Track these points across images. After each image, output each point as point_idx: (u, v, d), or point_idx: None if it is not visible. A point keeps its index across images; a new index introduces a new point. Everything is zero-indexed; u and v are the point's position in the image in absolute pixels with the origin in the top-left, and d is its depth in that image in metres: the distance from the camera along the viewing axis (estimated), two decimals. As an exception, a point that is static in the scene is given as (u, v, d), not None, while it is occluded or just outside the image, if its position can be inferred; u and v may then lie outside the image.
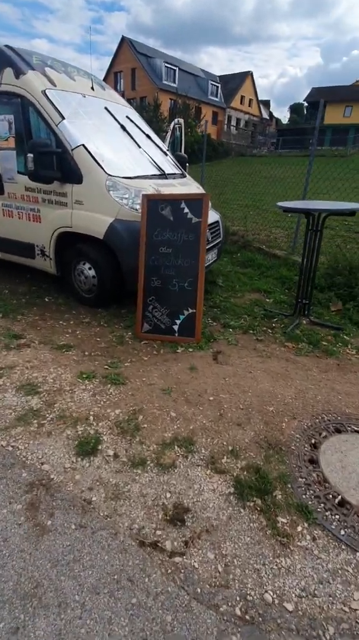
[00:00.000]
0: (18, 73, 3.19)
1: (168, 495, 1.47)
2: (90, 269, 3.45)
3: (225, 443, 1.74)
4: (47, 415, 1.87)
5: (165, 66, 31.27)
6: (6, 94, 3.29)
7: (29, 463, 1.57)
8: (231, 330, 3.21)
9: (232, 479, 1.55)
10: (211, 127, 26.94)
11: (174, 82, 31.37)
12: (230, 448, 1.71)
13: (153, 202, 3.04)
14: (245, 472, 1.59)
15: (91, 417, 1.86)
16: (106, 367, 2.41)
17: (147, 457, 1.64)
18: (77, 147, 3.12)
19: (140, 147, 3.90)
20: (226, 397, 2.10)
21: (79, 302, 3.68)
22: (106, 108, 3.89)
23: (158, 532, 1.33)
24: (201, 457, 1.66)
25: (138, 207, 3.14)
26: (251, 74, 40.11)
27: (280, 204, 3.22)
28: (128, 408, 1.96)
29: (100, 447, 1.68)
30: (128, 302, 3.62)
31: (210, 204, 3.20)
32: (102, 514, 1.37)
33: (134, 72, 31.44)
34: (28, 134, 3.29)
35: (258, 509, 1.45)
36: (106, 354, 2.63)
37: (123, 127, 3.90)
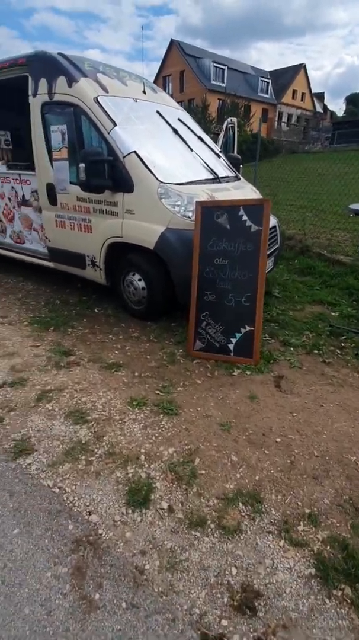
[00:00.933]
0: (71, 81, 3.13)
1: (234, 571, 1.22)
2: (140, 280, 3.30)
3: (299, 503, 1.45)
4: (96, 450, 1.72)
5: (214, 66, 30.95)
6: (59, 104, 3.24)
7: (75, 511, 1.41)
8: (292, 349, 2.87)
9: (312, 556, 1.26)
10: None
11: (223, 81, 30.94)
12: (307, 511, 1.42)
13: (207, 210, 2.80)
14: (328, 547, 1.29)
15: (142, 456, 1.67)
16: (157, 391, 2.22)
17: (206, 515, 1.40)
18: (128, 154, 2.98)
19: (192, 150, 3.69)
20: (295, 439, 1.80)
21: (128, 313, 3.55)
22: (158, 111, 3.72)
23: (224, 623, 1.09)
24: (272, 520, 1.38)
25: (190, 214, 2.92)
26: (304, 67, 38.35)
27: (353, 206, 2.82)
28: (182, 447, 1.74)
29: (153, 497, 1.47)
30: (179, 315, 3.42)
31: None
32: (156, 590, 1.16)
33: (182, 74, 31.51)
34: (80, 143, 3.22)
35: (348, 600, 1.15)
36: (157, 376, 2.44)
37: (175, 131, 3.71)
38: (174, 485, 1.52)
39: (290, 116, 38.34)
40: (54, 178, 3.47)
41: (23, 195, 4.02)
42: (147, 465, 1.62)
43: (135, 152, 2.98)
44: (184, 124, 3.96)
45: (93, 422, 1.90)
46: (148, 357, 2.73)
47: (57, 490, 1.49)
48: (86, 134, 3.20)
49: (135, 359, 2.69)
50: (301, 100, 39.33)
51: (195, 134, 3.98)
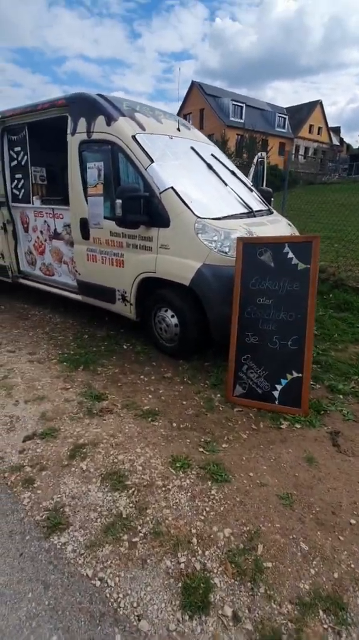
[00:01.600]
0: (110, 120, 3.14)
1: None
2: (172, 316, 3.15)
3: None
4: (139, 527, 1.48)
5: (232, 104, 32.34)
6: (97, 142, 3.25)
7: (122, 614, 1.16)
8: (341, 397, 2.61)
9: None
10: (277, 158, 26.70)
11: (241, 118, 32.18)
12: None
13: (250, 247, 2.65)
14: None
15: (194, 539, 1.42)
16: (201, 449, 1.98)
17: (281, 627, 1.13)
18: (165, 190, 2.91)
19: (226, 184, 3.63)
20: (373, 519, 1.52)
21: (158, 350, 3.38)
22: (192, 148, 3.71)
23: None
24: (362, 636, 1.10)
25: (227, 249, 2.79)
26: (321, 103, 39.63)
27: None
28: (240, 527, 1.48)
29: (212, 599, 1.21)
30: (213, 354, 3.22)
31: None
32: None
33: (202, 112, 32.99)
34: (116, 179, 3.19)
35: None
36: (197, 427, 2.21)
37: (209, 166, 3.67)
38: (236, 583, 1.26)
39: (306, 149, 39.24)
40: (88, 213, 3.44)
41: (55, 229, 4.02)
42: (200, 552, 1.37)
43: (172, 187, 2.92)
44: (217, 159, 3.93)
45: (133, 489, 1.67)
46: (184, 402, 2.52)
47: (98, 584, 1.25)
48: (122, 170, 3.18)
49: (171, 404, 2.48)
50: (318, 134, 40.35)
51: (228, 169, 3.95)
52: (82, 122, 3.31)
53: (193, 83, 34.31)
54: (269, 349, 2.54)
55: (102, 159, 3.25)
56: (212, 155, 3.91)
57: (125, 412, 2.32)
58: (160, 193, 2.92)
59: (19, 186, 4.34)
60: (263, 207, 3.88)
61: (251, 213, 3.45)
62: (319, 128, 40.77)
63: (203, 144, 4.02)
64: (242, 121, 31.16)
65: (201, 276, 2.80)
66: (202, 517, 1.53)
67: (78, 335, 3.67)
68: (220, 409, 2.46)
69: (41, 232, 4.22)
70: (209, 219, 2.91)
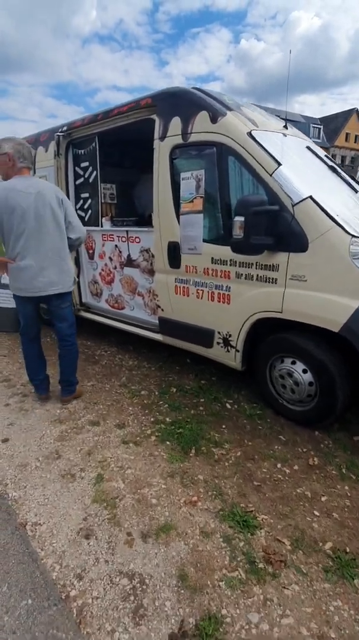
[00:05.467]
0: (215, 116, 2.43)
1: None
2: (305, 371, 2.30)
3: None
4: None
5: (266, 117, 31.90)
6: (197, 145, 2.54)
7: None
8: None
9: None
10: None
11: (275, 130, 31.61)
12: None
13: None
14: None
15: None
16: None
17: None
18: (301, 200, 2.12)
19: (357, 191, 2.80)
20: None
21: (276, 412, 2.54)
22: (308, 147, 2.93)
23: None
24: None
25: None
26: (357, 111, 38.40)
27: None
28: None
29: None
30: (354, 419, 2.34)
31: None
32: None
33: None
34: (223, 191, 2.45)
35: None
36: None
37: (333, 169, 2.87)
38: None
39: (343, 158, 37.90)
40: (181, 235, 2.71)
41: (129, 255, 3.34)
42: None
43: (311, 197, 2.12)
44: (333, 160, 3.13)
45: None
46: (361, 515, 1.62)
47: None
48: (233, 178, 2.43)
49: (346, 519, 1.59)
50: (355, 142, 38.98)
51: (342, 171, 3.11)
52: (176, 123, 2.63)
53: (225, 100, 34.29)
54: None
55: (203, 167, 2.53)
56: (326, 156, 3.11)
57: (301, 558, 1.43)
58: (294, 205, 2.13)
59: (85, 207, 3.73)
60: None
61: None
62: (356, 136, 39.43)
63: (313, 143, 3.24)
64: (277, 134, 30.53)
65: None
66: None
67: (164, 389, 2.90)
68: None
69: (110, 258, 3.56)
70: (365, 238, 2.07)
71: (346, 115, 38.54)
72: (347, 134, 38.07)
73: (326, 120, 38.72)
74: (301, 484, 1.84)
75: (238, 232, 2.15)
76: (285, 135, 2.75)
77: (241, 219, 2.12)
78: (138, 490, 1.69)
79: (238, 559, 1.37)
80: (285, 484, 1.85)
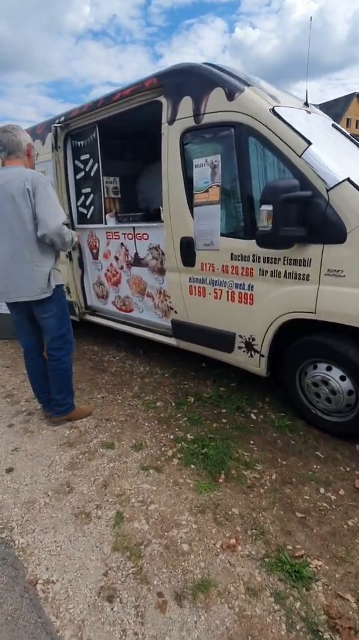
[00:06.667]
0: (232, 92, 2.13)
1: None
2: (343, 378, 2.04)
3: None
4: None
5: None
6: (213, 127, 2.25)
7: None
8: None
9: None
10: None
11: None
12: None
13: None
14: None
15: None
16: None
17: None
18: (337, 184, 1.83)
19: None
20: None
21: (308, 423, 2.28)
22: (334, 125, 2.64)
23: None
24: None
25: None
26: (357, 95, 37.52)
27: None
28: None
29: None
30: None
31: None
32: None
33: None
34: (244, 177, 2.16)
35: None
36: None
37: (362, 149, 2.57)
38: None
39: (345, 144, 37.11)
40: (195, 230, 2.43)
41: (136, 253, 3.07)
42: None
43: (348, 179, 1.83)
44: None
45: None
46: None
47: None
48: (255, 162, 2.14)
49: None
50: (356, 127, 38.11)
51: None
52: (186, 103, 2.33)
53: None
54: None
55: (219, 151, 2.24)
56: (354, 135, 2.81)
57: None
58: (329, 190, 1.84)
59: (87, 203, 3.45)
60: None
61: None
62: (358, 122, 38.55)
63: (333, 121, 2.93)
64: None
65: None
66: None
67: (181, 399, 2.64)
68: None
69: (116, 257, 3.29)
70: None
71: (346, 101, 37.65)
72: (348, 120, 37.20)
73: (327, 106, 37.76)
74: (352, 514, 1.59)
75: (265, 223, 1.88)
76: (308, 112, 2.45)
77: (269, 207, 1.84)
78: (166, 533, 1.43)
79: (297, 627, 1.11)
80: (333, 514, 1.59)
